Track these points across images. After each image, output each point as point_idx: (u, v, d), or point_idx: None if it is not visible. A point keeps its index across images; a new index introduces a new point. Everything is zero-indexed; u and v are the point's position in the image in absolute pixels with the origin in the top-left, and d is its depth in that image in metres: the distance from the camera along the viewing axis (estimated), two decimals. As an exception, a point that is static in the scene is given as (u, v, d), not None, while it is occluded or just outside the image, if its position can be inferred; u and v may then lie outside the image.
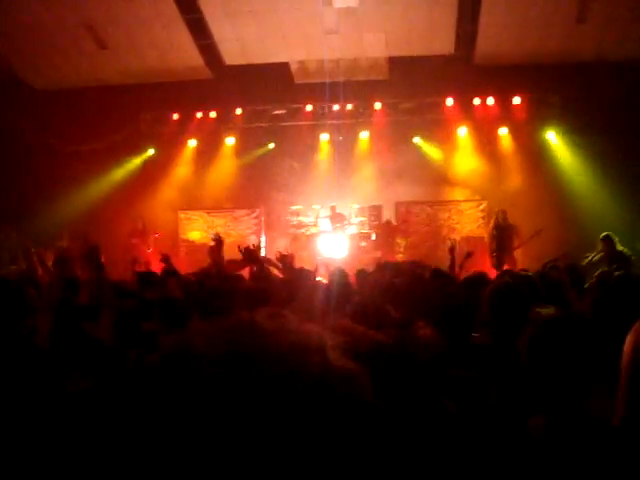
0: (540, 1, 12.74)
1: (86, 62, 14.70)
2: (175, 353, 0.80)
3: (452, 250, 7.88)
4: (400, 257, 14.23)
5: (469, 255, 8.25)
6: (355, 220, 14.98)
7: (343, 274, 5.65)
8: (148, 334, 3.46)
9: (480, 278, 5.15)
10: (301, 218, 14.98)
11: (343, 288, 4.56)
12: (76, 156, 15.34)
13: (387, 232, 14.86)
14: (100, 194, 15.19)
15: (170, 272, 6.65)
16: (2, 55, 14.25)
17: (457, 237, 13.95)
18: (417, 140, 15.50)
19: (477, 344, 3.66)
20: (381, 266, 7.03)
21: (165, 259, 6.94)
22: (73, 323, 3.68)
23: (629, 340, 1.22)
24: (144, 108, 15.90)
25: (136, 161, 15.95)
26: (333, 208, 14.86)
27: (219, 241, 9.03)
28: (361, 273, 6.72)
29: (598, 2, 12.58)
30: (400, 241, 14.98)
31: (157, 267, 10.67)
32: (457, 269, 7.54)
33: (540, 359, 2.13)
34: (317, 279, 6.23)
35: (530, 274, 5.32)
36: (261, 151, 15.89)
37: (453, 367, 2.99)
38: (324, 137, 15.80)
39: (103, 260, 4.76)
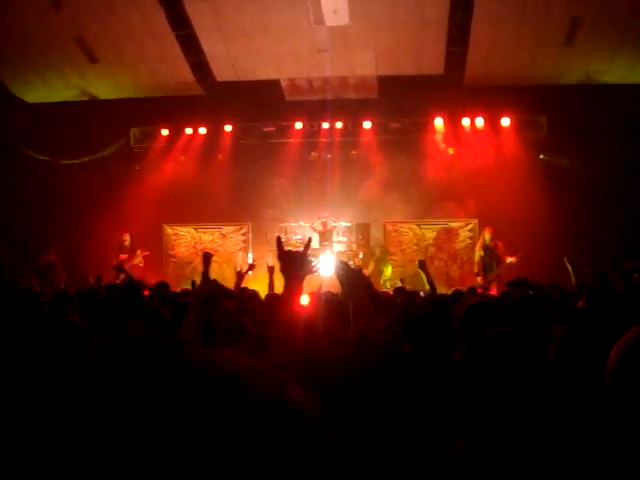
0: (529, 24, 12.84)
1: (77, 76, 14.72)
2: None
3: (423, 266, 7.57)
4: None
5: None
6: (343, 238, 14.98)
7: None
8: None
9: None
10: (289, 235, 14.94)
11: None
12: (67, 170, 15.33)
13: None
14: (89, 208, 15.15)
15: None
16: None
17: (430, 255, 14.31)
18: (406, 160, 15.55)
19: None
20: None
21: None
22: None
23: (614, 352, 1.31)
24: (134, 123, 15.94)
25: (125, 175, 15.91)
26: (325, 224, 14.84)
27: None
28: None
29: (586, 26, 12.70)
30: (386, 269, 14.90)
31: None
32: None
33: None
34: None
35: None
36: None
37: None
38: (313, 155, 15.83)
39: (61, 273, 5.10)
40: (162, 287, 6.79)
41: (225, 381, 0.79)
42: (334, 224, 14.91)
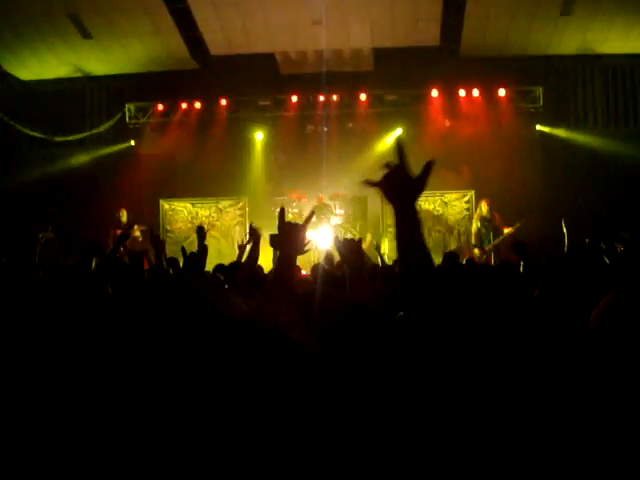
0: (525, -7, 12.79)
1: (70, 52, 14.62)
2: None
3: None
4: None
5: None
6: (340, 211, 14.97)
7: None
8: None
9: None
10: (286, 208, 14.89)
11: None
12: (62, 147, 15.28)
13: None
14: (85, 185, 15.12)
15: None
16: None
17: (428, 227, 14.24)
18: (401, 131, 15.50)
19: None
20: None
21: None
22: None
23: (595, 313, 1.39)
24: (128, 98, 15.85)
25: (120, 151, 15.87)
26: (320, 198, 14.85)
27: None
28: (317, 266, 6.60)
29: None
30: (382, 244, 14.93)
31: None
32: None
33: None
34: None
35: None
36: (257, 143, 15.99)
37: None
38: (309, 128, 15.79)
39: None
40: (173, 263, 6.83)
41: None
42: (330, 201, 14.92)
